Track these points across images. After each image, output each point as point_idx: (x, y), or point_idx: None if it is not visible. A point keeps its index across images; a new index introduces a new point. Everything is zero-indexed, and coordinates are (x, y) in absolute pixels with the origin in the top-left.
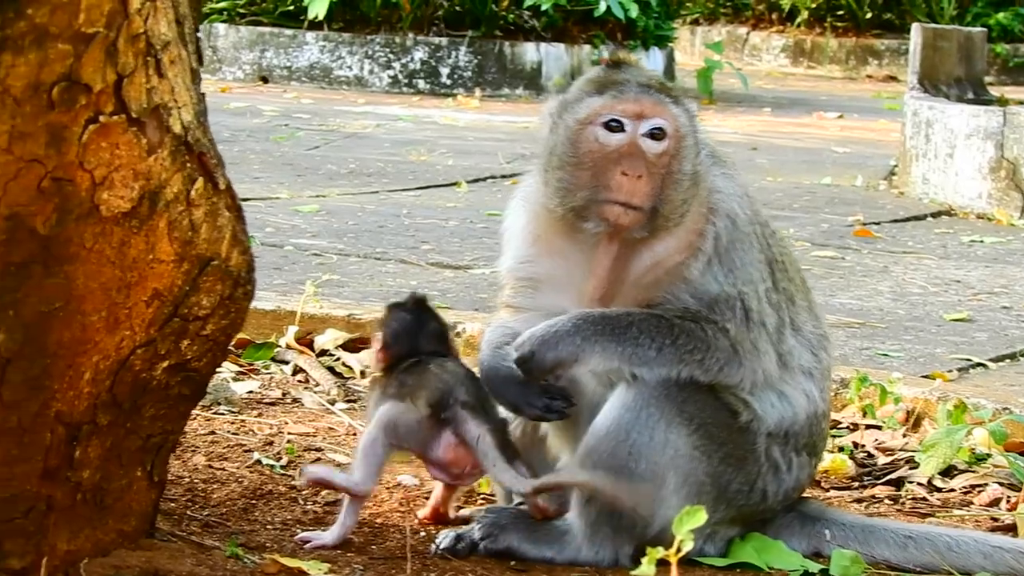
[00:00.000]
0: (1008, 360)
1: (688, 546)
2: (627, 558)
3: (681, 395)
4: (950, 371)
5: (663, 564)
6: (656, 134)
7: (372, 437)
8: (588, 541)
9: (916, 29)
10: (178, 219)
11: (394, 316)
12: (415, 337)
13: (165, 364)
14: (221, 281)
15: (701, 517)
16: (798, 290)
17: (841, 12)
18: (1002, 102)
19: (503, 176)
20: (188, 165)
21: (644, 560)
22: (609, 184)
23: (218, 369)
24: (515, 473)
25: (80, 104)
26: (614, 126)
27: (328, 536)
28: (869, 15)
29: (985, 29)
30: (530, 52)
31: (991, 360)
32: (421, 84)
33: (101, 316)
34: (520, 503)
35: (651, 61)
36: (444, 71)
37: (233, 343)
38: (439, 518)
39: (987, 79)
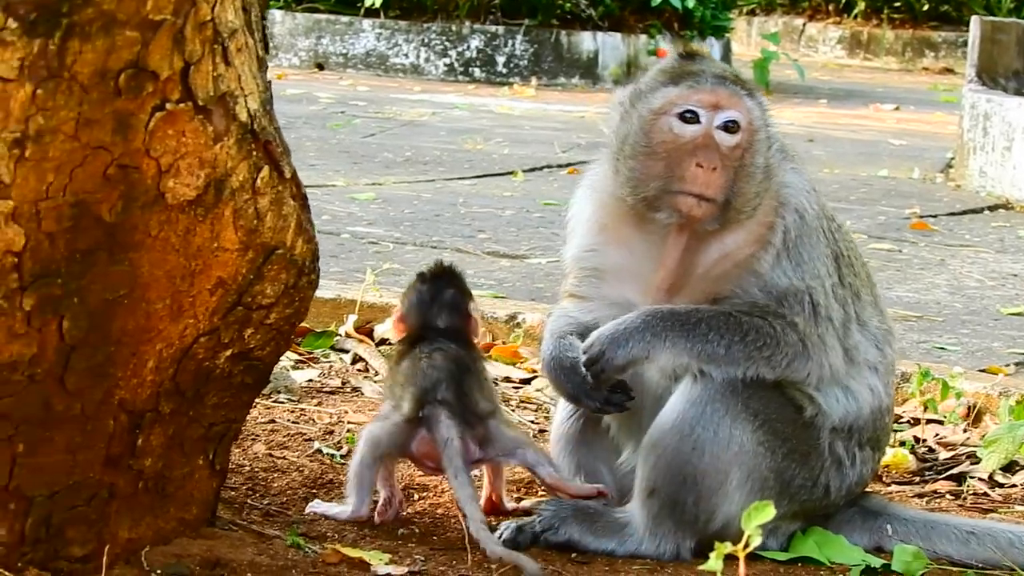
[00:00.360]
0: None
1: (756, 541)
2: (688, 552)
3: (747, 391)
4: (1007, 365)
5: (727, 558)
6: (730, 126)
7: (359, 460)
8: (650, 534)
9: (975, 22)
10: (243, 207)
11: (413, 289)
12: (427, 312)
13: (228, 353)
14: (286, 270)
15: (769, 512)
16: (863, 285)
17: (898, 4)
18: None
19: (559, 165)
20: (254, 153)
21: (712, 555)
22: (684, 175)
23: None
24: (472, 492)
25: (147, 91)
26: (689, 117)
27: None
28: (926, 7)
29: None
30: (587, 41)
31: None
32: (477, 72)
33: (165, 304)
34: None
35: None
36: (500, 60)
37: None
38: (494, 508)
39: None
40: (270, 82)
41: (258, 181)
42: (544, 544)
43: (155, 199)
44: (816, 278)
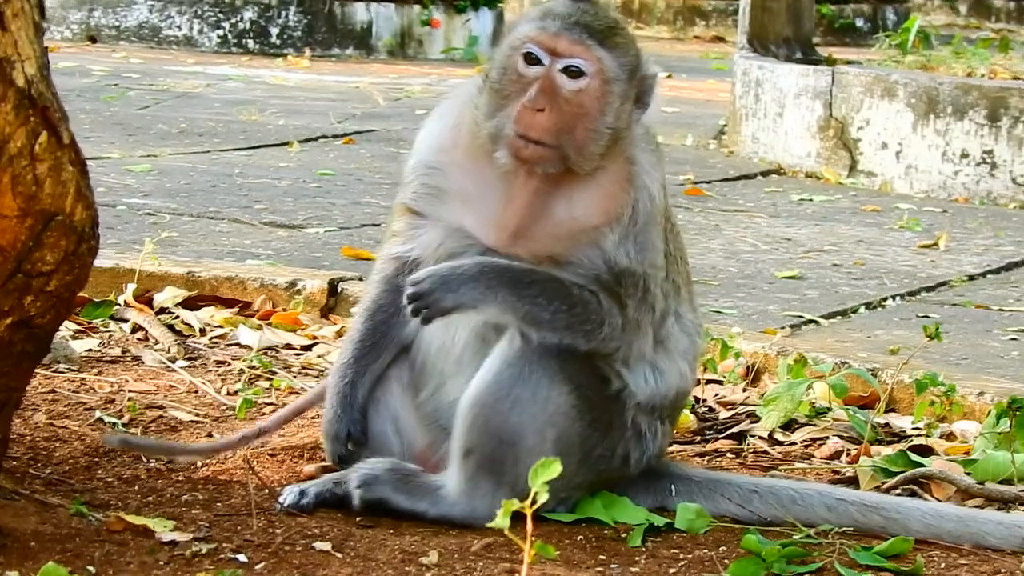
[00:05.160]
0: (839, 316)
1: (543, 498)
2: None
3: (561, 355)
4: (783, 328)
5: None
6: (572, 71)
7: None
8: (465, 495)
9: None
10: (22, 174)
11: None
12: None
13: (8, 321)
14: (65, 236)
15: (556, 469)
16: (684, 283)
17: None
18: (830, 62)
19: (335, 136)
20: (32, 119)
21: (499, 512)
22: (514, 115)
23: None
24: None
25: None
26: (532, 58)
27: None
28: None
29: None
30: (360, 12)
31: (823, 317)
32: (251, 44)
33: None
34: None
35: (480, 23)
36: (274, 31)
37: None
38: None
39: (814, 40)
40: (47, 48)
41: (36, 147)
42: (359, 501)
43: None
44: (652, 266)
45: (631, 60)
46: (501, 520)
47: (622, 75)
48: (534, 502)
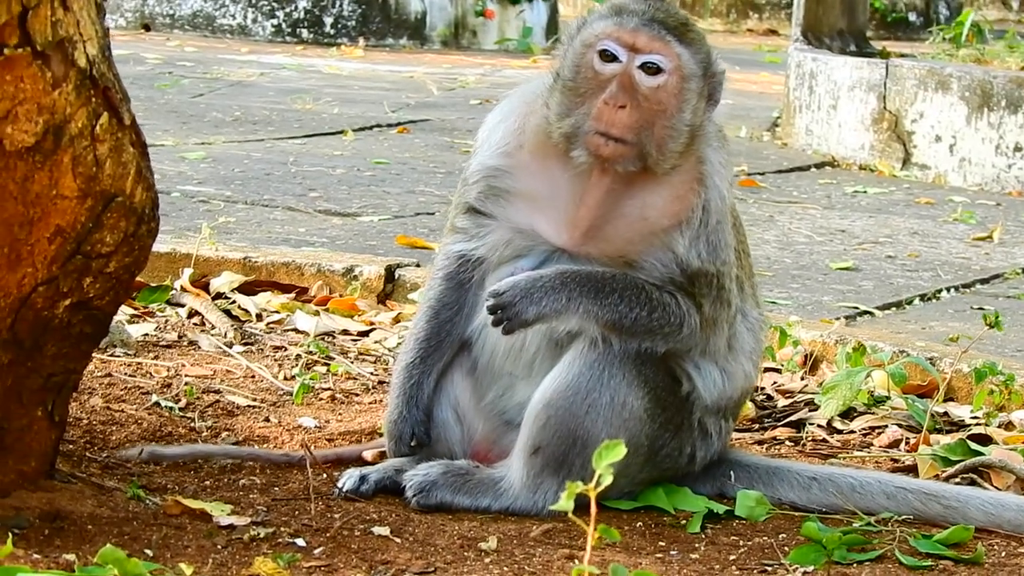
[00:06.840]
0: (894, 308)
1: (607, 480)
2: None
3: (639, 357)
4: (838, 319)
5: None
6: (650, 68)
7: None
8: (527, 490)
9: None
10: (82, 154)
11: None
12: None
13: (67, 302)
14: (125, 218)
15: (620, 451)
16: (747, 278)
17: None
18: (884, 55)
19: (389, 125)
20: (93, 100)
21: (563, 495)
22: (593, 113)
23: None
24: None
25: None
26: (608, 55)
27: None
28: None
29: None
30: (414, 2)
31: (877, 308)
32: (305, 33)
33: (3, 253)
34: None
35: (534, 14)
36: (328, 20)
37: None
38: None
39: (867, 33)
40: (108, 28)
41: (97, 128)
42: (418, 507)
43: None
44: (725, 264)
45: (704, 57)
46: (565, 503)
47: (698, 71)
48: (598, 485)
